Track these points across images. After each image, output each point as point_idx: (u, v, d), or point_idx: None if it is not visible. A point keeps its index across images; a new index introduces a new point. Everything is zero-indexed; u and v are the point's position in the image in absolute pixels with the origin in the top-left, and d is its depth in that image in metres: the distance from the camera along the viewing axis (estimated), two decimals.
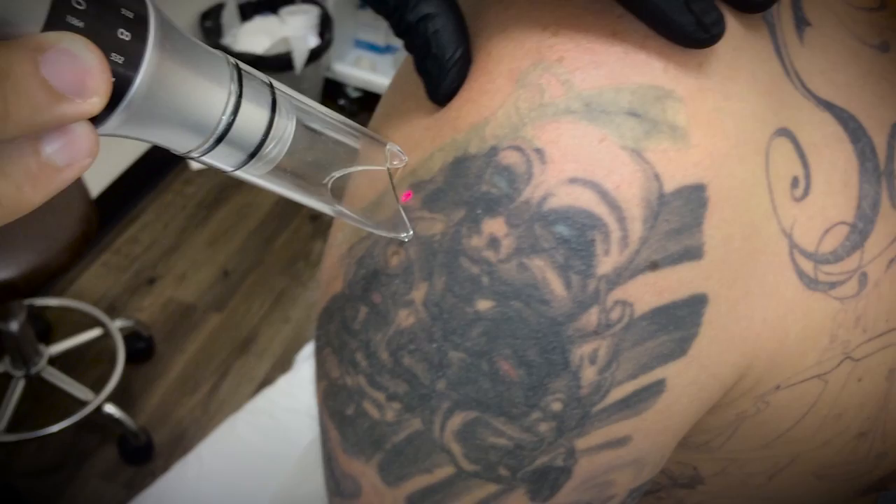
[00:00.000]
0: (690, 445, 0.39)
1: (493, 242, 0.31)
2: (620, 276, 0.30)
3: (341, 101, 2.56)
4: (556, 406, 0.32)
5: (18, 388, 1.69)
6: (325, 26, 2.40)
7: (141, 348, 1.87)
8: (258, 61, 2.21)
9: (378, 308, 0.34)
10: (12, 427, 1.67)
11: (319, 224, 2.25)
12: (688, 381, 0.33)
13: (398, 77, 0.39)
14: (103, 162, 1.97)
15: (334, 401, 0.36)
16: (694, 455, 0.41)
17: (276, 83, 0.28)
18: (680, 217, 0.30)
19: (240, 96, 0.25)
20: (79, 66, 0.20)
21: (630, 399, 0.32)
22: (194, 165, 2.38)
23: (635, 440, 0.33)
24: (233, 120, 0.25)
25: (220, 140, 0.26)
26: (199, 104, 0.24)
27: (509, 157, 0.31)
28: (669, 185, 0.30)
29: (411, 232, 0.32)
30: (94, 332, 1.83)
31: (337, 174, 0.30)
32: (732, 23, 0.32)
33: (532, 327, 0.31)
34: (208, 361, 1.89)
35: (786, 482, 0.41)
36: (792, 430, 0.37)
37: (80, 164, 0.21)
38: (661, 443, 0.34)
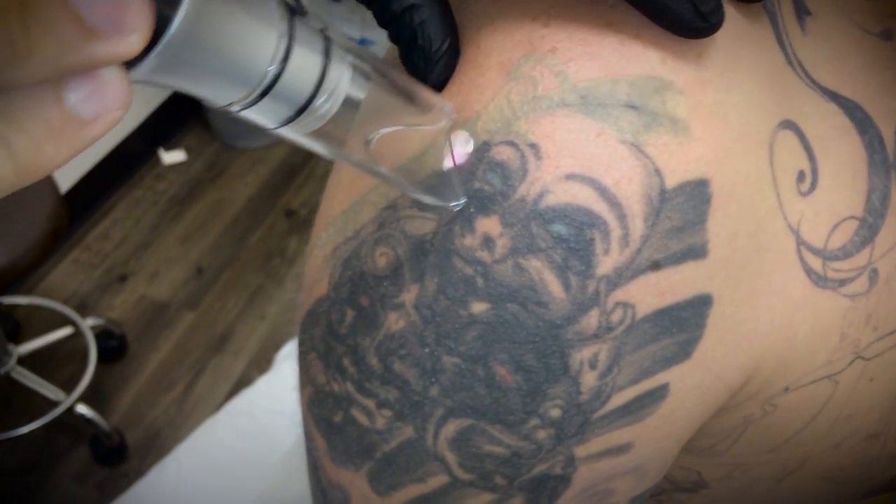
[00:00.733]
0: (694, 450, 0.38)
1: (488, 242, 0.29)
2: (621, 276, 0.29)
3: None
4: (555, 413, 0.30)
5: None
6: None
7: (113, 347, 1.84)
8: None
9: (366, 311, 0.32)
10: None
11: (295, 220, 2.22)
12: (692, 386, 0.31)
13: None
14: None
15: (320, 408, 0.35)
16: (698, 460, 0.39)
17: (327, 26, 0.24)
18: (682, 214, 0.29)
19: (291, 40, 0.22)
20: None
21: (632, 405, 0.31)
22: (166, 160, 2.34)
23: (637, 447, 0.32)
24: (283, 68, 0.22)
25: (266, 91, 0.22)
26: (246, 47, 0.21)
27: (503, 153, 0.29)
28: (671, 181, 0.29)
29: (463, 200, 0.30)
30: (65, 331, 1.80)
31: (383, 132, 0.27)
32: (732, 11, 0.31)
33: (529, 331, 0.29)
34: (182, 360, 1.87)
35: (794, 486, 0.40)
36: (801, 433, 0.36)
37: (110, 118, 0.18)
38: (664, 449, 0.33)
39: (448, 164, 0.29)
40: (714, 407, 0.33)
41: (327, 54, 0.23)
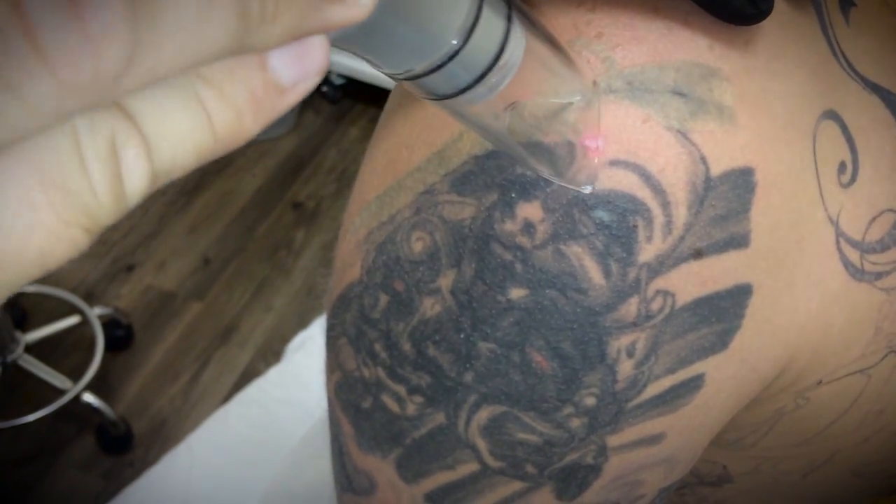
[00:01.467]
0: (722, 443, 0.38)
1: (528, 228, 0.29)
2: (663, 264, 0.29)
3: (324, 89, 2.53)
4: (590, 401, 0.30)
5: None
6: None
7: (120, 336, 1.84)
8: None
9: (400, 296, 0.32)
10: None
11: (302, 212, 2.22)
12: (727, 376, 0.31)
13: None
14: None
15: (349, 393, 0.34)
16: (725, 453, 0.39)
17: None
18: (727, 203, 0.29)
19: (481, 3, 0.20)
20: None
21: (667, 395, 0.31)
22: None
23: (669, 437, 0.32)
24: (469, 37, 0.20)
25: (449, 60, 0.20)
26: (440, 10, 0.19)
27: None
28: (716, 169, 0.28)
29: (593, 186, 0.28)
30: (72, 320, 1.79)
31: (524, 102, 0.24)
32: (779, 1, 0.30)
33: (567, 318, 0.29)
34: (189, 350, 1.86)
35: (821, 480, 0.40)
36: (831, 427, 0.36)
37: (308, 84, 0.17)
38: (695, 440, 0.33)
39: (590, 142, 0.28)
40: (747, 399, 0.33)
41: (509, 19, 0.21)
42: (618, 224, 0.28)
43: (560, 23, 0.30)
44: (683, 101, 0.28)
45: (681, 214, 0.28)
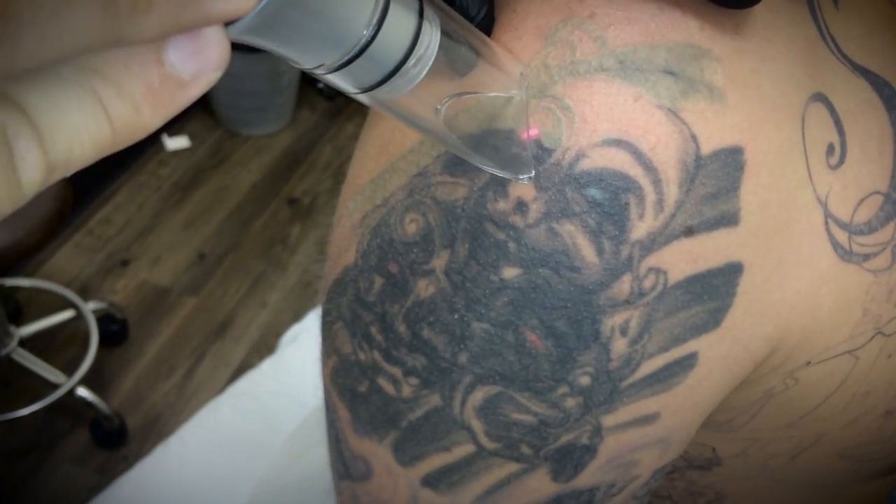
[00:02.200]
0: (712, 425, 0.38)
1: (521, 207, 0.29)
2: (655, 241, 0.29)
3: (320, 85, 2.53)
4: (584, 380, 0.30)
5: None
6: None
7: (114, 331, 1.83)
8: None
9: (395, 279, 0.32)
10: None
11: (297, 208, 2.22)
12: (720, 355, 0.31)
13: None
14: None
15: (345, 378, 0.35)
16: (713, 435, 0.39)
17: None
18: (717, 181, 0.29)
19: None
20: None
21: (661, 373, 0.31)
22: (169, 145, 2.34)
23: (663, 417, 0.32)
24: (378, 28, 0.20)
25: (361, 52, 0.20)
26: (344, 5, 0.20)
27: (539, 117, 0.29)
28: (706, 147, 0.29)
29: (533, 174, 0.29)
30: (67, 314, 1.79)
31: (456, 97, 0.25)
32: None
33: (561, 296, 0.29)
34: (183, 346, 1.86)
35: (809, 462, 0.40)
36: (819, 409, 0.36)
37: (208, 78, 0.17)
38: (689, 420, 0.33)
39: (523, 134, 0.28)
40: (739, 378, 0.33)
41: (421, 14, 0.22)
42: (610, 202, 0.28)
43: (552, 2, 0.30)
44: (674, 81, 0.28)
45: (672, 192, 0.29)
